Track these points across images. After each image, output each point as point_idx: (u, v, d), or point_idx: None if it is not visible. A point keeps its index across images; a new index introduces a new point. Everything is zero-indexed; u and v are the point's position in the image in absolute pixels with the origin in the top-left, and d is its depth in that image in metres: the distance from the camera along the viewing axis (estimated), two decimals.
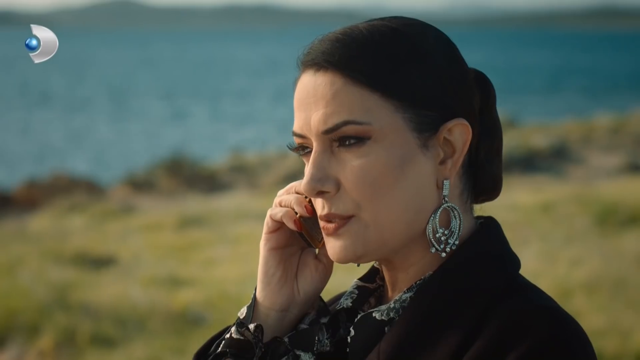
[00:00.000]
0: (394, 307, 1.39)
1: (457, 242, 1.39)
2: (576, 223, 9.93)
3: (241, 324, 1.44)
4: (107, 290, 7.83)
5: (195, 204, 13.29)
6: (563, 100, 44.57)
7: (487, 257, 1.39)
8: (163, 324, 7.03)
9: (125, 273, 8.72)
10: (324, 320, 1.46)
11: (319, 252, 1.49)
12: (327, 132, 1.36)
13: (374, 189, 1.35)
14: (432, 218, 1.38)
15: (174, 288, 8.04)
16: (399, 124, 1.36)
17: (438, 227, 1.38)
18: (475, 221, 1.45)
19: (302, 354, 1.43)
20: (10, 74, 68.69)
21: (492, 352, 1.28)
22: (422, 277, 1.40)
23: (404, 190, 1.36)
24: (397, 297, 1.40)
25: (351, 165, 1.36)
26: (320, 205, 1.40)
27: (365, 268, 1.52)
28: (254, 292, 1.49)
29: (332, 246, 1.39)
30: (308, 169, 1.38)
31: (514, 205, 10.69)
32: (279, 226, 1.47)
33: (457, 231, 1.39)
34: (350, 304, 1.47)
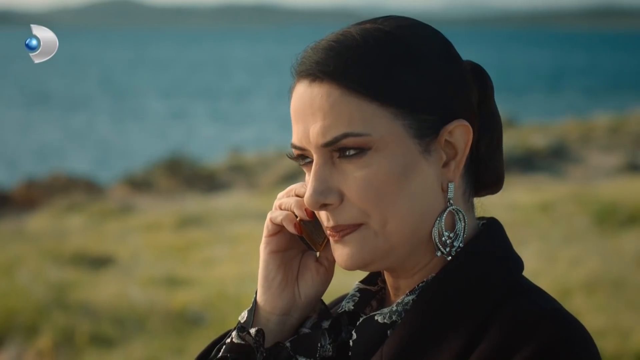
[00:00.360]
0: (397, 310, 1.38)
1: (461, 245, 1.38)
2: (575, 223, 9.92)
3: (242, 329, 1.43)
4: (105, 290, 7.82)
5: (194, 203, 13.28)
6: (562, 99, 44.59)
7: (490, 259, 1.38)
8: (162, 323, 7.02)
9: (124, 273, 8.71)
10: (326, 324, 1.45)
11: (320, 255, 1.48)
12: (327, 145, 1.35)
13: (379, 199, 1.34)
14: (437, 222, 1.37)
15: (173, 288, 8.04)
16: (399, 131, 1.34)
17: (444, 230, 1.38)
18: (478, 222, 1.44)
19: (304, 359, 1.42)
20: (9, 73, 68.66)
21: (497, 355, 1.28)
22: (425, 280, 1.39)
23: (409, 197, 1.35)
24: (399, 300, 1.39)
25: (353, 176, 1.34)
26: (324, 218, 1.38)
27: None
28: (254, 296, 1.48)
29: (340, 253, 1.38)
30: (310, 183, 1.37)
31: (513, 204, 10.68)
32: (279, 229, 1.46)
33: (461, 234, 1.38)
34: (352, 307, 1.46)
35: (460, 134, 1.37)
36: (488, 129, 1.43)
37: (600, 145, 17.92)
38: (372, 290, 1.49)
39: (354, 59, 1.35)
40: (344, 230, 1.36)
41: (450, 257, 1.38)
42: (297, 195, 1.46)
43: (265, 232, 1.47)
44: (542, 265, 7.99)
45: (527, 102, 40.63)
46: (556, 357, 1.26)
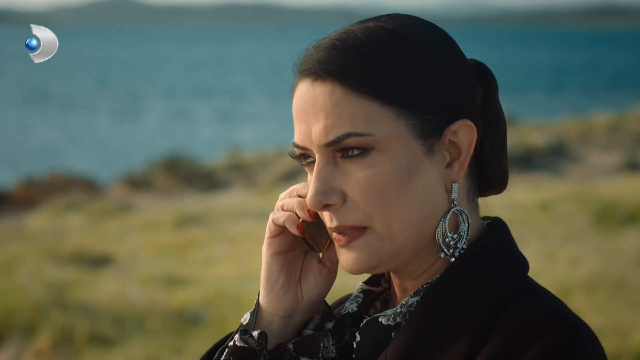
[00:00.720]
0: (401, 312, 1.37)
1: (465, 246, 1.37)
2: (575, 221, 9.92)
3: (244, 331, 1.41)
4: (104, 289, 7.82)
5: (193, 202, 13.27)
6: (562, 98, 44.59)
7: (495, 260, 1.37)
8: (161, 322, 7.02)
9: (123, 272, 8.70)
10: (329, 325, 1.43)
11: (322, 256, 1.46)
12: (329, 144, 1.33)
13: (382, 200, 1.33)
14: (441, 222, 1.36)
15: (172, 287, 8.03)
16: (402, 131, 1.33)
17: (447, 231, 1.36)
18: (482, 222, 1.43)
19: None
20: (8, 72, 68.65)
21: (504, 356, 1.27)
22: (429, 281, 1.38)
23: (413, 198, 1.34)
24: (403, 302, 1.38)
25: (356, 177, 1.33)
26: (328, 218, 1.37)
27: None
28: (257, 298, 1.46)
29: (346, 258, 1.37)
30: (312, 183, 1.36)
31: (513, 203, 10.67)
32: (281, 230, 1.44)
33: (465, 235, 1.37)
34: (356, 309, 1.44)
35: (464, 134, 1.36)
36: (492, 128, 1.42)
37: (600, 144, 17.92)
38: (376, 291, 1.48)
39: (357, 58, 1.33)
40: (348, 234, 1.35)
41: (453, 259, 1.36)
42: (299, 196, 1.44)
43: (267, 234, 1.45)
44: (542, 264, 7.98)
45: (526, 101, 40.62)
46: (563, 358, 1.25)
